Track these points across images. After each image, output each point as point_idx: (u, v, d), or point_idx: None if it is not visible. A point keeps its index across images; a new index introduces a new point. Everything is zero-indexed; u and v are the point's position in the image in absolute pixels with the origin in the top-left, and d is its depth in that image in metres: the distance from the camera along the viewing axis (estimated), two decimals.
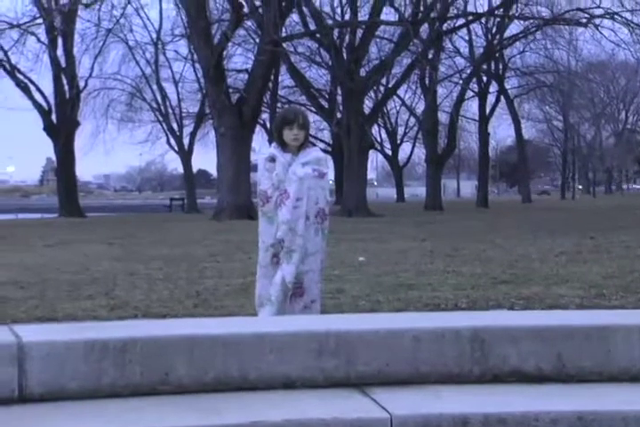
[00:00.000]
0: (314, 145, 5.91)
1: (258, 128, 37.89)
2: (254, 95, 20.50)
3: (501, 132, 58.59)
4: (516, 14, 33.12)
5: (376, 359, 3.73)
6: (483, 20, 34.53)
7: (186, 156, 38.25)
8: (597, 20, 29.80)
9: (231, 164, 20.49)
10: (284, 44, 28.85)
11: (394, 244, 12.55)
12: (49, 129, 29.99)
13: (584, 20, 28.71)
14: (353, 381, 3.74)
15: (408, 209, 32.63)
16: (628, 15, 28.82)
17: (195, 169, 48.05)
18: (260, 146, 53.46)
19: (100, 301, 6.70)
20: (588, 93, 53.92)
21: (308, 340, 3.78)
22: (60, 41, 30.18)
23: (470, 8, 33.97)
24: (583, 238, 12.69)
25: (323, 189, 5.33)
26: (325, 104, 33.68)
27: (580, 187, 75.34)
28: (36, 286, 7.53)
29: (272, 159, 5.31)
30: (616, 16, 28.77)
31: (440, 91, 41.47)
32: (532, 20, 33.10)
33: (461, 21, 31.41)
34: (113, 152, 61.99)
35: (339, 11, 30.26)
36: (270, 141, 45.20)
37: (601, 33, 30.69)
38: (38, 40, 31.20)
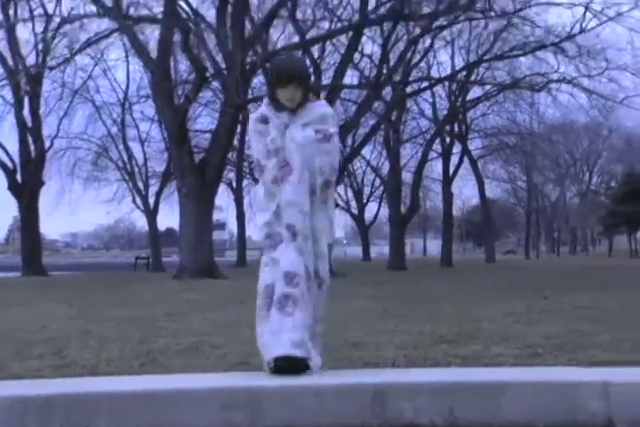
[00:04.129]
0: (317, 98, 4.55)
1: (223, 187, 38.23)
2: (217, 156, 20.76)
3: (467, 191, 59.60)
4: (477, 79, 34.03)
5: (282, 414, 3.92)
6: (445, 84, 35.35)
7: (151, 214, 38.37)
8: (556, 85, 30.67)
9: (193, 223, 20.65)
10: (251, 105, 29.37)
11: (349, 303, 12.66)
12: (13, 188, 30.06)
13: (539, 86, 29.45)
14: None
15: (371, 268, 32.78)
16: (585, 80, 29.73)
17: (163, 227, 48.31)
18: (227, 205, 53.54)
19: (48, 360, 6.72)
20: (551, 155, 54.95)
21: (218, 395, 4.02)
22: (26, 101, 30.45)
23: (433, 72, 34.97)
24: (536, 299, 12.86)
25: (328, 153, 4.33)
26: None
27: (544, 247, 76.17)
28: None
29: (264, 120, 4.40)
30: (574, 81, 29.61)
31: (405, 152, 42.20)
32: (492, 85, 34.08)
33: (425, 84, 32.13)
34: (80, 210, 62.15)
35: None
36: (237, 201, 45.29)
37: (554, 98, 31.60)
38: (4, 100, 31.59)
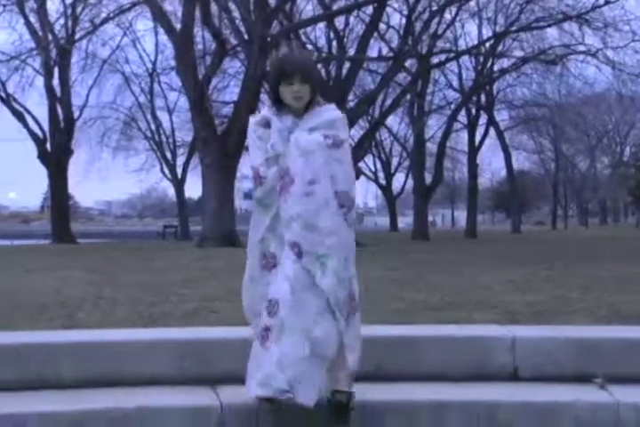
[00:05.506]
0: (326, 102, 4.04)
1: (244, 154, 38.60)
2: (238, 127, 21.13)
3: (498, 162, 59.33)
4: (503, 50, 34.04)
5: (228, 363, 4.56)
6: (472, 53, 35.35)
7: (178, 184, 38.88)
8: (581, 57, 30.64)
9: (214, 193, 21.07)
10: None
11: (362, 272, 13.00)
12: (43, 157, 30.67)
13: (557, 58, 29.42)
14: (207, 379, 4.58)
15: (396, 239, 33.08)
16: (610, 52, 29.65)
17: (195, 196, 48.65)
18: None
19: (58, 322, 7.16)
20: (581, 126, 54.65)
21: (171, 346, 4.73)
22: (56, 71, 30.94)
23: (460, 43, 35.06)
24: (541, 269, 13.17)
25: (341, 162, 3.82)
26: None
27: (575, 219, 75.93)
28: (2, 309, 7.97)
29: (266, 124, 3.91)
30: (599, 53, 29.54)
31: (432, 122, 42.34)
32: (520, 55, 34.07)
33: (448, 55, 32.23)
34: (111, 179, 62.64)
35: (327, 44, 30.98)
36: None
37: (580, 71, 31.46)
38: (35, 71, 32.10)
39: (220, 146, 20.98)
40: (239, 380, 4.23)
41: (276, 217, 3.84)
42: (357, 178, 32.98)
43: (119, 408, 4.22)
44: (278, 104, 3.92)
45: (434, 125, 43.06)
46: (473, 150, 39.50)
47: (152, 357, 4.63)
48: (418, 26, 28.85)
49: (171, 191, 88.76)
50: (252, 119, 3.97)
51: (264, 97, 31.69)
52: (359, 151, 30.28)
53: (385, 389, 4.47)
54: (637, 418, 4.29)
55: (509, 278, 11.16)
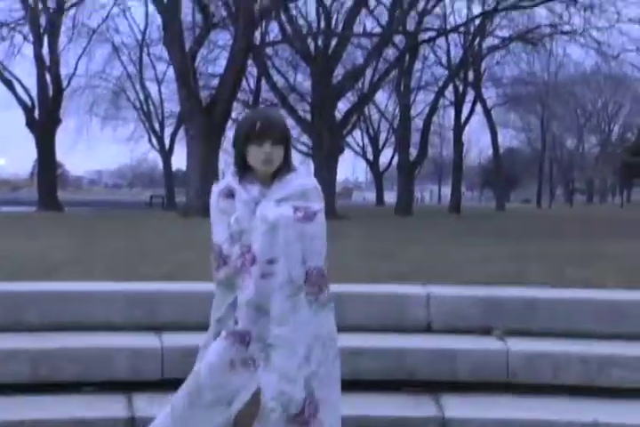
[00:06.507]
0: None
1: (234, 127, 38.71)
2: (224, 99, 21.36)
3: (486, 140, 59.59)
4: (491, 29, 34.26)
5: (174, 313, 5.32)
6: (461, 30, 35.55)
7: (166, 155, 39.15)
8: (567, 37, 30.91)
9: (199, 164, 21.34)
10: (268, 49, 29.79)
11: (334, 244, 13.31)
12: (31, 125, 30.81)
13: (539, 39, 29.68)
14: (156, 326, 5.24)
15: (379, 213, 33.42)
16: (595, 33, 29.91)
17: (183, 168, 48.65)
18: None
19: (35, 278, 7.46)
20: (571, 104, 54.91)
21: (123, 296, 5.44)
22: (45, 39, 31.00)
23: (450, 20, 35.23)
24: (511, 244, 13.52)
25: (313, 238, 3.32)
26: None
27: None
28: None
29: (229, 194, 3.39)
30: (585, 33, 29.83)
31: (420, 99, 42.55)
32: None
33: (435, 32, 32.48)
34: (100, 149, 62.92)
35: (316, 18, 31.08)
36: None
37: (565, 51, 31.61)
38: (24, 38, 32.16)
39: (206, 118, 21.22)
40: (182, 328, 5.05)
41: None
42: (342, 152, 33.49)
43: (73, 348, 4.87)
44: (243, 171, 3.38)
45: (421, 102, 43.32)
46: (459, 127, 39.78)
47: (103, 306, 5.35)
48: (406, 2, 28.99)
49: (161, 162, 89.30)
50: (215, 188, 3.45)
51: (252, 69, 31.98)
52: (345, 125, 30.58)
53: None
54: (523, 364, 5.03)
55: (480, 252, 11.52)
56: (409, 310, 5.50)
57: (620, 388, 4.91)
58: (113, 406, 4.60)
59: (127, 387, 4.83)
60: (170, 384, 4.78)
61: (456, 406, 4.72)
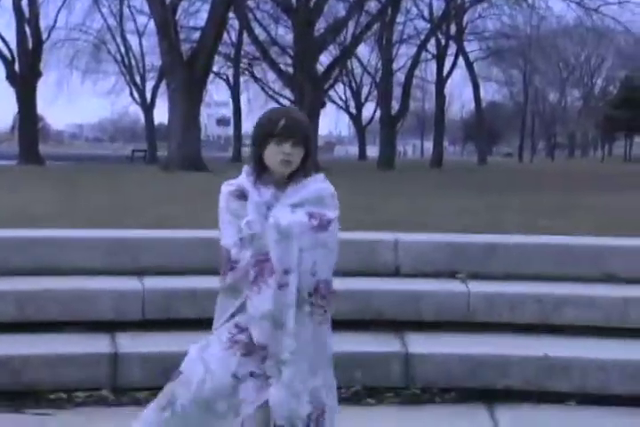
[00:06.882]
0: (316, 171, 3.35)
1: (223, 84, 38.69)
2: (205, 52, 21.41)
3: (468, 93, 59.70)
4: None
5: (155, 257, 5.65)
6: None
7: (147, 109, 39.08)
8: None
9: (181, 118, 21.44)
10: (249, 2, 29.69)
11: None
12: (11, 78, 30.73)
13: None
14: (138, 271, 5.56)
15: (361, 167, 33.61)
16: None
17: (166, 122, 48.53)
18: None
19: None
20: (554, 58, 54.87)
21: (103, 243, 5.77)
22: None
23: None
24: (487, 196, 13.80)
25: (325, 247, 3.14)
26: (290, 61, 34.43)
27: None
28: None
29: (241, 195, 3.18)
30: None
31: (402, 52, 42.55)
32: None
33: None
34: (82, 102, 62.50)
35: None
36: (234, 97, 46.33)
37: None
38: None
39: (187, 71, 21.28)
40: (163, 272, 5.46)
41: (244, 305, 3.16)
42: (324, 106, 33.64)
43: (57, 289, 5.18)
44: (260, 171, 3.19)
45: (404, 55, 43.32)
46: (441, 81, 39.86)
47: (83, 252, 5.64)
48: None
49: (142, 116, 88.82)
50: (225, 188, 3.22)
51: (233, 22, 31.87)
52: (328, 79, 30.64)
53: None
54: (483, 305, 5.37)
55: (459, 205, 11.79)
56: (379, 255, 5.82)
57: (572, 325, 5.24)
58: (97, 344, 4.89)
59: (110, 327, 5.12)
60: (151, 324, 5.18)
61: (419, 343, 5.04)
